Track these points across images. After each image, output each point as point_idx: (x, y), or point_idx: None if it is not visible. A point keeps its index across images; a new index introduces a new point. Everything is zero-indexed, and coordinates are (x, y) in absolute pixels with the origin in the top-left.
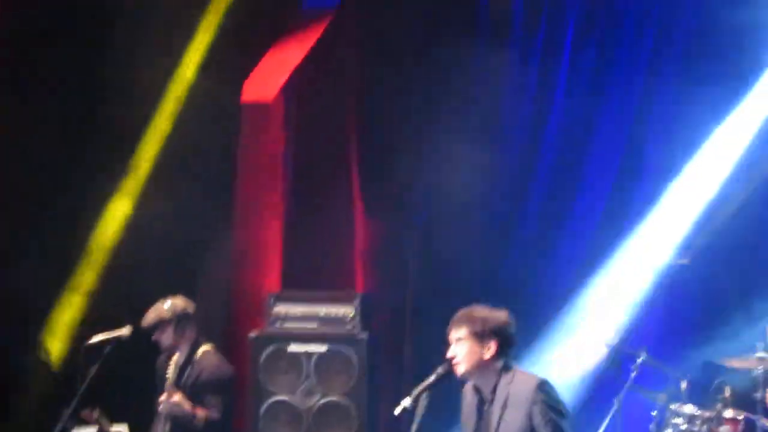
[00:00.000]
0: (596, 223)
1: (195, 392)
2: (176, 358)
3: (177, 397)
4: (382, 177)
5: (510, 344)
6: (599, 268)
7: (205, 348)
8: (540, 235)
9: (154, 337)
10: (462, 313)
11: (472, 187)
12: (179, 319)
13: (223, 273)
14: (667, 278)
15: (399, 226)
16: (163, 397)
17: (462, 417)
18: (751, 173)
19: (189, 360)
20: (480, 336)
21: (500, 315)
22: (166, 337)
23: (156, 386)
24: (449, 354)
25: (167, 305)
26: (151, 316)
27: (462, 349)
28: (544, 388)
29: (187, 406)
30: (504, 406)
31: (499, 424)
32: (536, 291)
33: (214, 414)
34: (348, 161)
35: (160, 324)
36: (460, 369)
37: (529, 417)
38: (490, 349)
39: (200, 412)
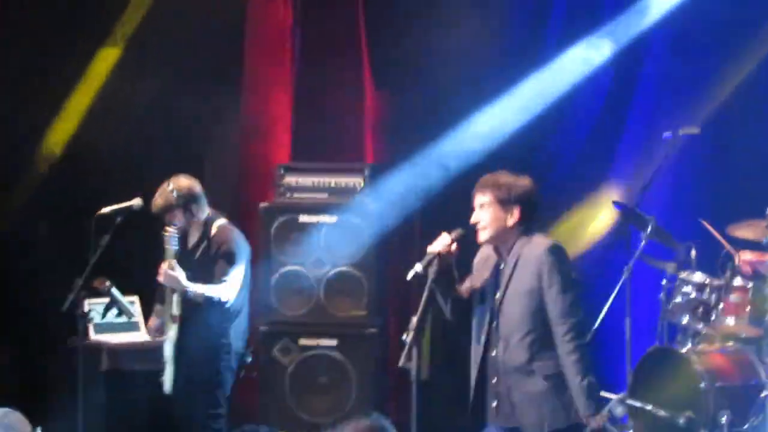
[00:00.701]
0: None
1: (213, 263)
2: (190, 239)
3: (176, 272)
4: (393, 46)
5: (533, 211)
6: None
7: (220, 223)
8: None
9: (165, 222)
10: (487, 178)
11: (482, 56)
12: (187, 201)
13: (233, 145)
14: (676, 148)
15: (409, 96)
16: (163, 267)
17: (474, 267)
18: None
19: (204, 237)
20: (505, 202)
21: (525, 182)
22: (176, 219)
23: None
24: (473, 219)
25: (174, 190)
26: (158, 202)
27: (486, 215)
28: (554, 251)
29: (183, 281)
30: (515, 266)
31: (509, 282)
32: (546, 158)
33: (216, 291)
34: (358, 31)
35: (169, 208)
36: (483, 235)
37: (538, 277)
38: (514, 215)
39: (198, 289)
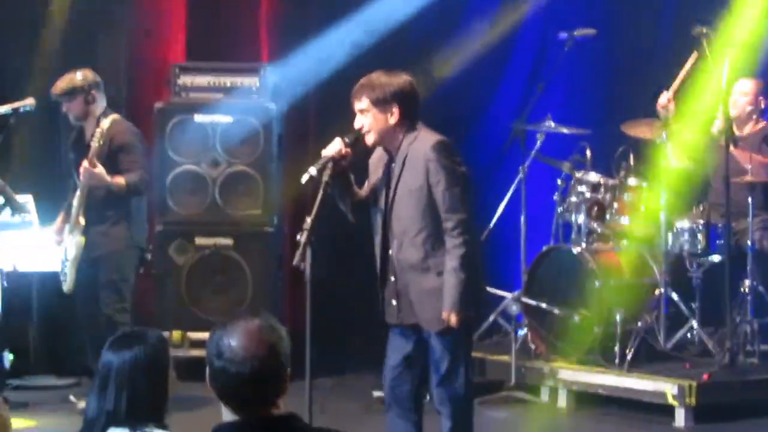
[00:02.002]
0: None
1: (109, 159)
2: (99, 133)
3: (99, 168)
4: None
5: (413, 106)
6: None
7: (114, 117)
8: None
9: (63, 107)
10: (361, 82)
11: None
12: (90, 88)
13: (127, 45)
14: (572, 48)
15: None
16: (84, 165)
17: (370, 167)
18: None
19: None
20: (382, 103)
21: (400, 79)
22: (75, 106)
23: (70, 162)
24: (356, 125)
25: (79, 74)
26: (62, 85)
27: (367, 119)
28: (440, 146)
29: (106, 177)
30: (403, 164)
31: (398, 181)
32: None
33: (134, 176)
34: None
35: (72, 92)
36: (369, 139)
37: (425, 174)
38: (394, 114)
39: (118, 179)
